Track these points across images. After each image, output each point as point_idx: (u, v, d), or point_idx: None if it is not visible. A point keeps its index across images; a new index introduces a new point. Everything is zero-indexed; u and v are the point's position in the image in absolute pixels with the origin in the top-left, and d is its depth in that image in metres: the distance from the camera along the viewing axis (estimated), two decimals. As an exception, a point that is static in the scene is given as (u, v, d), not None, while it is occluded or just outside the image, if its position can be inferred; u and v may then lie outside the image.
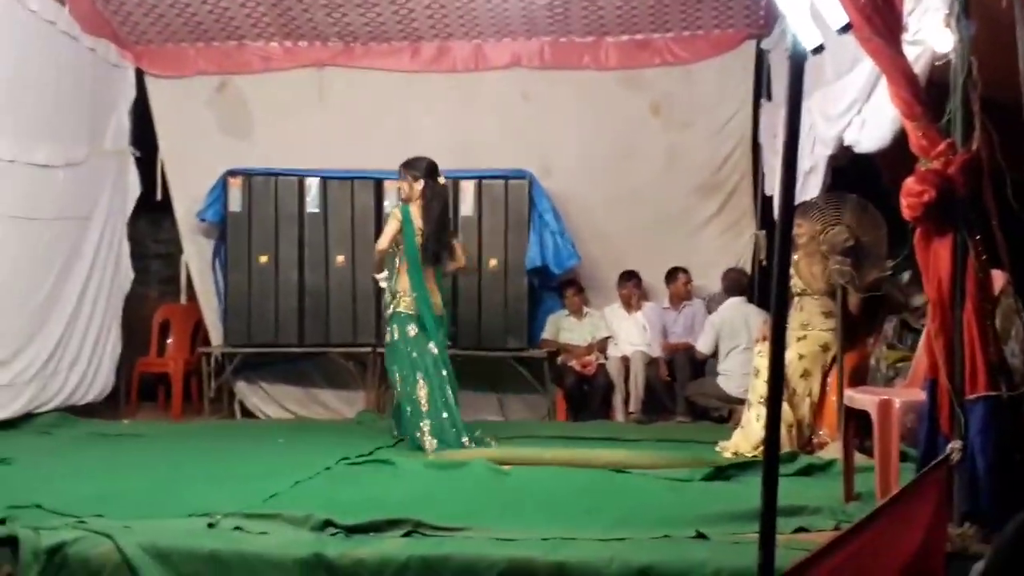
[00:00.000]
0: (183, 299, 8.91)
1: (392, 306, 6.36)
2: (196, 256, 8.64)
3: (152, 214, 8.86)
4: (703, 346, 7.76)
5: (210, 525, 4.10)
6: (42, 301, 7.17)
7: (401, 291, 6.31)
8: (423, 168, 6.42)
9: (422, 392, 6.20)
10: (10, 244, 6.72)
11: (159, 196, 8.59)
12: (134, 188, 8.40)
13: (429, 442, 6.09)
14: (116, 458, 5.93)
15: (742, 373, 7.14)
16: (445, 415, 6.21)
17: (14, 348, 6.82)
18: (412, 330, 6.28)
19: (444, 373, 6.33)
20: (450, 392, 6.31)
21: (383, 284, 6.49)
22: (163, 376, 8.59)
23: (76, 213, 7.58)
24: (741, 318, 7.53)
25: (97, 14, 7.87)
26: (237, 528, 4.06)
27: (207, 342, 8.62)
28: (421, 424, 6.16)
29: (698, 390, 7.74)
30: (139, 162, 8.44)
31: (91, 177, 7.77)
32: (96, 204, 7.87)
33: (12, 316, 6.80)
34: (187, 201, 8.57)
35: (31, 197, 6.97)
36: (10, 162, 6.66)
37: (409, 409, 6.26)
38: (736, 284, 7.83)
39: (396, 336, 6.33)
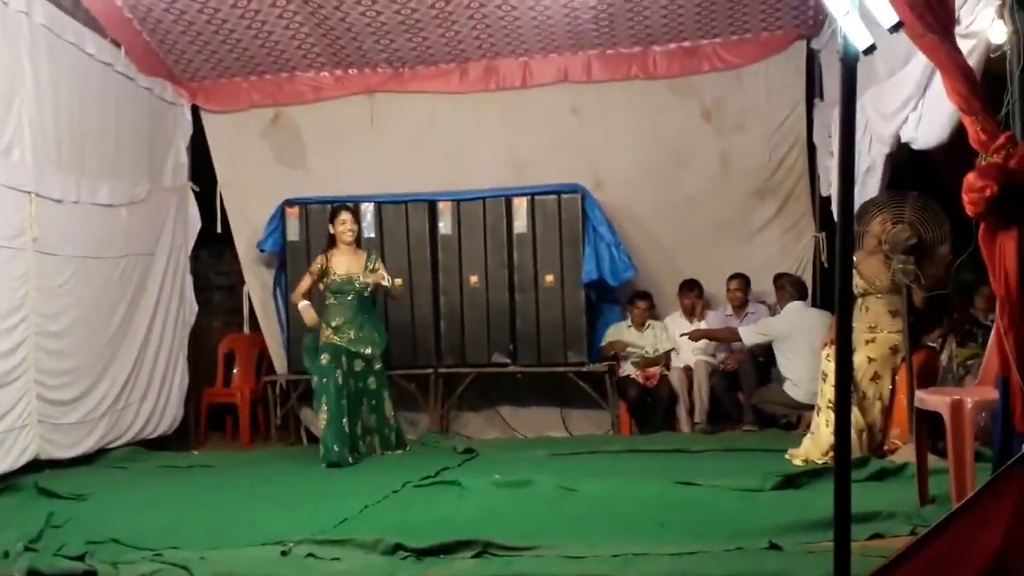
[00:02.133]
0: (246, 329, 9.04)
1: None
2: (258, 286, 8.79)
3: (213, 247, 9.03)
4: (746, 338, 7.62)
5: (283, 553, 4.14)
6: (111, 338, 7.32)
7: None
8: None
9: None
10: (79, 283, 6.87)
11: (219, 229, 8.74)
12: (195, 222, 8.56)
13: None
14: (189, 489, 6.02)
15: (808, 379, 7.04)
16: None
17: (86, 385, 6.96)
18: None
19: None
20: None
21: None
22: (230, 406, 8.72)
23: (140, 250, 7.74)
24: (802, 323, 7.42)
25: (152, 54, 8.05)
26: (310, 555, 4.10)
27: (272, 370, 8.74)
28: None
29: (765, 397, 7.63)
30: (198, 196, 8.61)
31: (153, 214, 7.94)
32: (159, 240, 8.04)
33: (82, 354, 6.95)
34: (247, 232, 8.72)
35: (97, 236, 7.14)
36: (75, 203, 6.82)
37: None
38: (793, 290, 7.68)
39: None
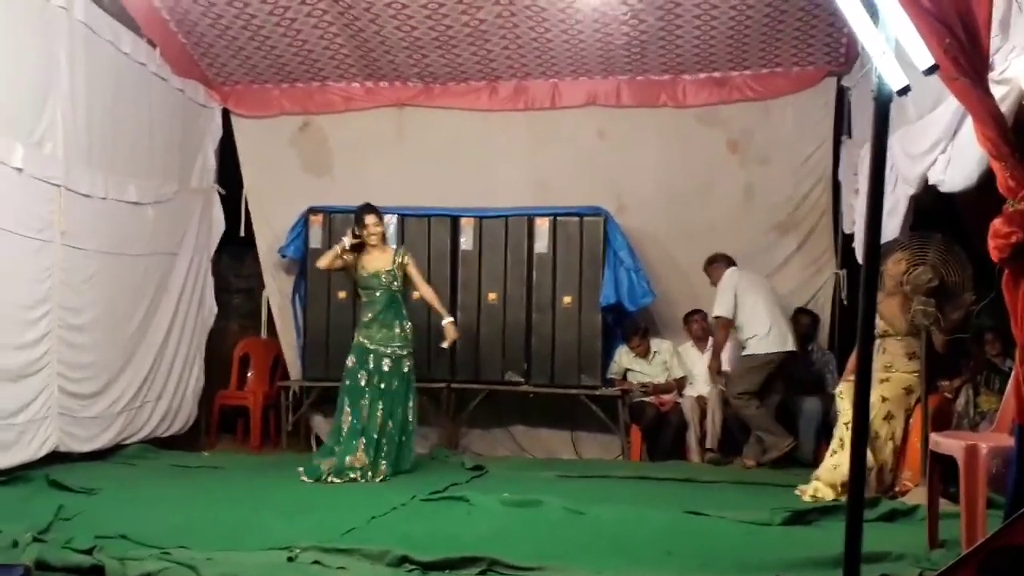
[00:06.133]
0: (263, 333, 9.08)
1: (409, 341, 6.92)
2: (277, 292, 8.83)
3: (234, 250, 9.07)
4: (724, 310, 7.58)
5: (289, 559, 4.15)
6: (132, 334, 7.38)
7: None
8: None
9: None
10: (103, 278, 6.93)
11: (242, 232, 8.80)
12: (218, 224, 8.63)
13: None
14: (198, 490, 6.03)
15: (771, 325, 7.45)
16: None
17: (106, 380, 7.01)
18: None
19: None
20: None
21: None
22: (242, 409, 8.73)
23: (164, 249, 7.80)
24: (746, 279, 7.66)
25: (187, 56, 8.13)
26: (316, 562, 4.10)
27: (286, 376, 8.78)
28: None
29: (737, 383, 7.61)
30: (223, 199, 8.68)
31: (178, 214, 8.00)
32: (183, 240, 8.10)
33: (104, 349, 7.00)
34: (269, 237, 8.78)
35: (123, 233, 7.20)
36: (103, 199, 6.89)
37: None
38: (723, 261, 7.84)
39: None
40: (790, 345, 7.59)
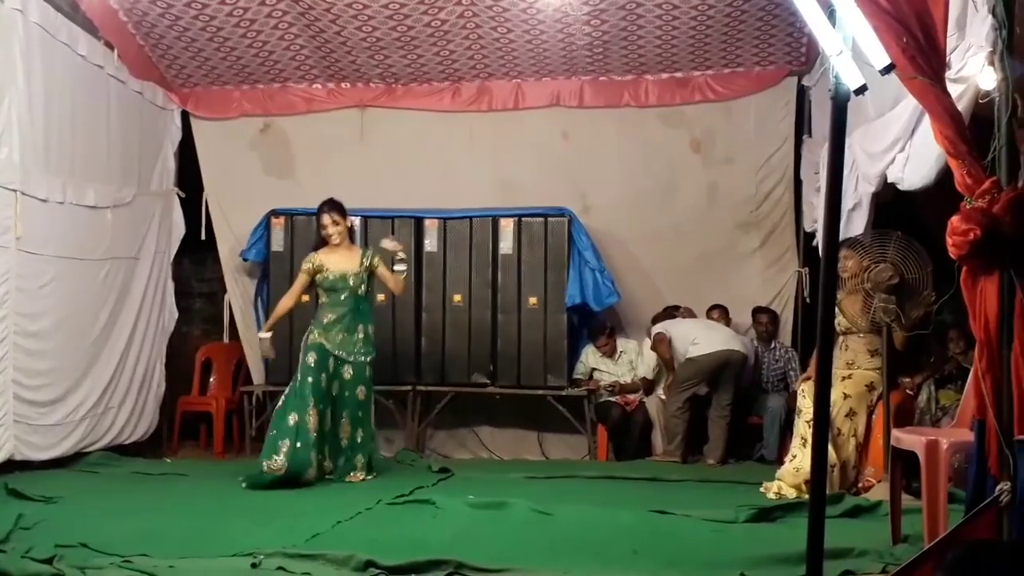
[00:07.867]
0: (225, 338, 8.99)
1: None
2: (239, 295, 8.76)
3: (195, 253, 8.98)
4: (657, 330, 7.95)
5: (253, 565, 4.10)
6: (93, 341, 7.28)
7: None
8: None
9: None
10: (61, 284, 6.83)
11: (203, 236, 8.71)
12: (179, 228, 8.53)
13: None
14: (160, 497, 5.97)
15: (704, 329, 7.79)
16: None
17: (65, 387, 6.91)
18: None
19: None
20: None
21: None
22: (205, 415, 8.65)
23: (125, 253, 7.70)
24: (680, 323, 7.96)
25: (145, 58, 8.04)
26: (280, 568, 4.06)
27: (249, 381, 8.70)
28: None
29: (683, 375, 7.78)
30: (183, 202, 8.58)
31: (138, 217, 7.91)
32: (143, 244, 8.00)
33: (63, 356, 6.90)
34: (231, 241, 8.70)
35: (82, 238, 7.10)
36: (60, 203, 6.79)
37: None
38: (665, 314, 8.16)
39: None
40: (732, 345, 7.67)
